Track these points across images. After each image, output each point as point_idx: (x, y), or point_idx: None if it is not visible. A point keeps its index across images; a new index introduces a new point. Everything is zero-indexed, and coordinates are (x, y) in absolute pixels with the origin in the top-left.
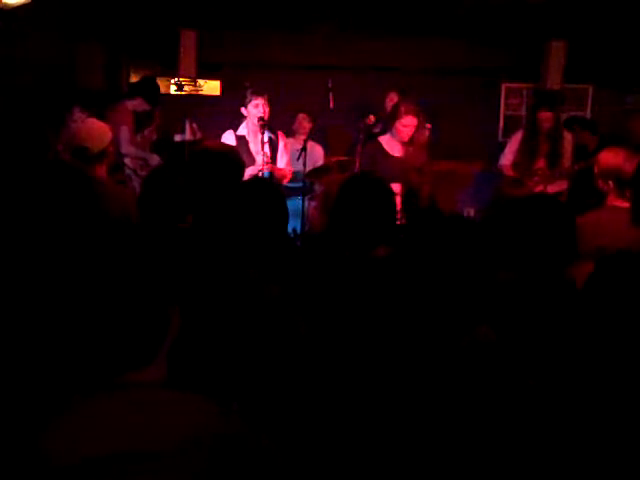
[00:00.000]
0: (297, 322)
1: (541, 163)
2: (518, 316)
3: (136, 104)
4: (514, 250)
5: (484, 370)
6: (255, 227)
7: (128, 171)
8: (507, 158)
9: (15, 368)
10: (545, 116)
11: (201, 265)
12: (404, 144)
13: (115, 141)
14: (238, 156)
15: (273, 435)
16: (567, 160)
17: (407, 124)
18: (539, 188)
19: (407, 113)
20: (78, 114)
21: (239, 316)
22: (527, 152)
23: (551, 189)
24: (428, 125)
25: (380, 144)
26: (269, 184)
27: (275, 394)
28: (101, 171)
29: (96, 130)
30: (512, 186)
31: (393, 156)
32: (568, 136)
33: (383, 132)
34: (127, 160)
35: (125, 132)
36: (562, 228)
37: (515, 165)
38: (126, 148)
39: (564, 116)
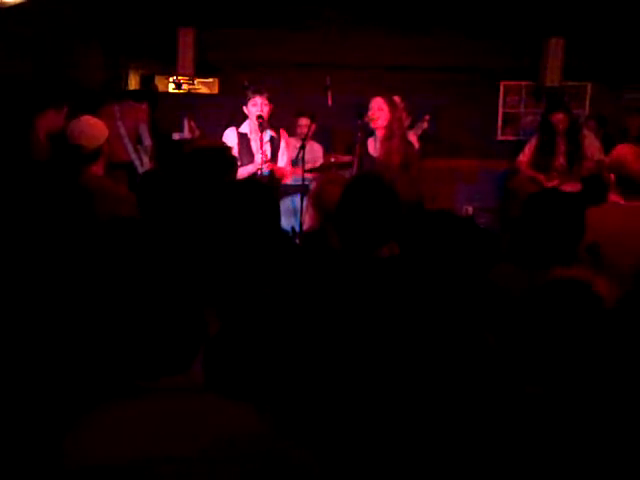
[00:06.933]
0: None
1: (561, 160)
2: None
3: (143, 108)
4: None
5: (482, 374)
6: (247, 226)
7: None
8: (525, 155)
9: (46, 371)
10: (558, 118)
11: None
12: (383, 141)
13: (128, 138)
14: (230, 154)
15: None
16: (591, 160)
17: (371, 107)
18: (553, 184)
19: (372, 96)
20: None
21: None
22: (543, 153)
23: (566, 189)
24: (427, 117)
25: (367, 146)
26: (261, 184)
27: (277, 395)
28: (97, 170)
29: (91, 128)
30: (528, 184)
31: (371, 155)
32: (590, 136)
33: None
34: (145, 159)
35: (145, 130)
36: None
37: (532, 163)
38: (147, 142)
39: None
